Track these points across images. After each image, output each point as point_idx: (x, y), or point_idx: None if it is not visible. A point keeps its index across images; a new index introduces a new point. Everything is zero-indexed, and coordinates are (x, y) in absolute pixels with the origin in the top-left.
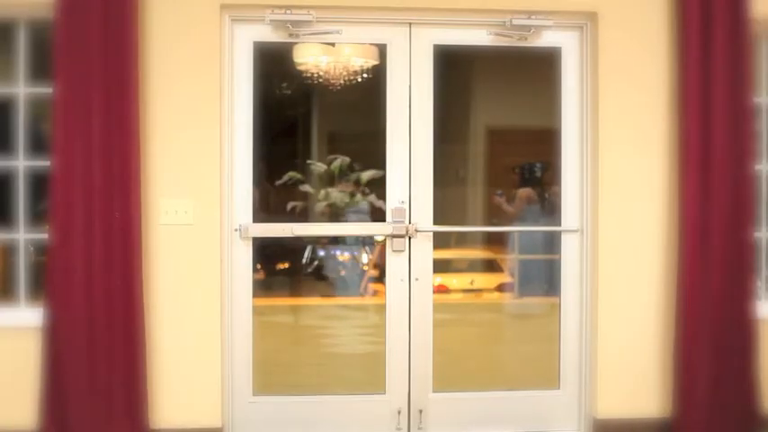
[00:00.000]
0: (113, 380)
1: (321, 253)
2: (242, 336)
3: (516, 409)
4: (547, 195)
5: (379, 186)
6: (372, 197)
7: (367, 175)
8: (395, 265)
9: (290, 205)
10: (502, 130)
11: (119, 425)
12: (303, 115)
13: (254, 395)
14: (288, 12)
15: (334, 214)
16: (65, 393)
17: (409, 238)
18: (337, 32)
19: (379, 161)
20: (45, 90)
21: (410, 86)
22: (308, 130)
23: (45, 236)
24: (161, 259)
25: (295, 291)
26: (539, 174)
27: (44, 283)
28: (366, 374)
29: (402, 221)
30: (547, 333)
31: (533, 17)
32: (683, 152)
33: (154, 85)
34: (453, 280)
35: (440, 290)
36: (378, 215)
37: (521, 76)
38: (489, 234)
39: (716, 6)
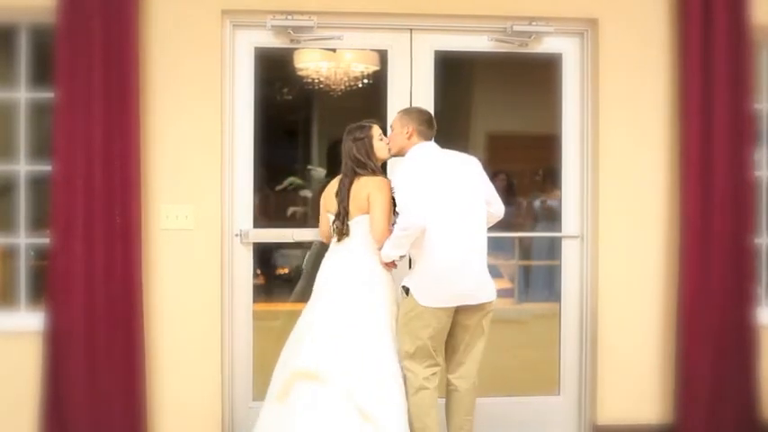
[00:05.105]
0: (113, 384)
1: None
2: (242, 341)
3: (516, 415)
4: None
5: None
6: None
7: None
8: (395, 270)
9: (290, 210)
10: (502, 136)
11: (118, 430)
12: (304, 121)
13: (254, 400)
14: (289, 17)
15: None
16: (65, 397)
17: None
18: (338, 38)
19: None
20: (46, 95)
21: (411, 92)
22: (308, 136)
23: (46, 240)
24: (161, 264)
25: (295, 296)
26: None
27: (45, 288)
28: None
29: None
30: (547, 339)
31: (534, 23)
32: (683, 159)
33: (155, 89)
34: None
35: None
36: None
37: (521, 81)
38: (488, 239)
39: (716, 13)
